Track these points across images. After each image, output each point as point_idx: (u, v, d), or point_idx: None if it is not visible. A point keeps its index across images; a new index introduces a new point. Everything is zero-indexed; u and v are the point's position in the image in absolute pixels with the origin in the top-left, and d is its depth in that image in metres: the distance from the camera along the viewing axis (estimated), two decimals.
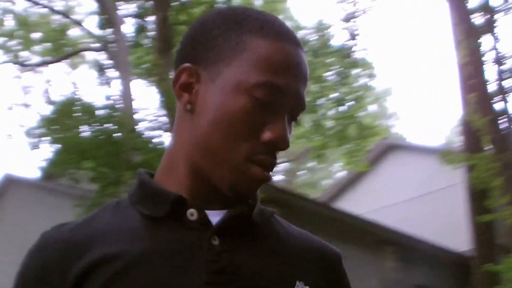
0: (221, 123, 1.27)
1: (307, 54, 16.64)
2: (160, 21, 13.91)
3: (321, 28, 19.67)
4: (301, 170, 38.11)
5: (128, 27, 21.26)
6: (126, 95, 15.72)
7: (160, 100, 13.56)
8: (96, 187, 12.20)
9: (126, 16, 18.77)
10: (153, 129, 13.18)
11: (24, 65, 23.78)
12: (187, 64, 1.34)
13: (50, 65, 23.63)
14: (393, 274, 20.22)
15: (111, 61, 17.36)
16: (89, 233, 1.32)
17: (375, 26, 50.65)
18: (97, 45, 19.86)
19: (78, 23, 21.80)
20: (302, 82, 1.32)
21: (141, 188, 1.39)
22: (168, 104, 13.05)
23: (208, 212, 1.32)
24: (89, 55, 22.46)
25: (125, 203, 1.39)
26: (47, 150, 15.35)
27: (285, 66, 1.29)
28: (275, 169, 1.35)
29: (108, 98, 15.92)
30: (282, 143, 1.28)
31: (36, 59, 24.12)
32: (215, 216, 1.32)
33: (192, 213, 1.30)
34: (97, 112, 13.12)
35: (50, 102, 18.96)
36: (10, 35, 23.06)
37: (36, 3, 21.79)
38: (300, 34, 20.45)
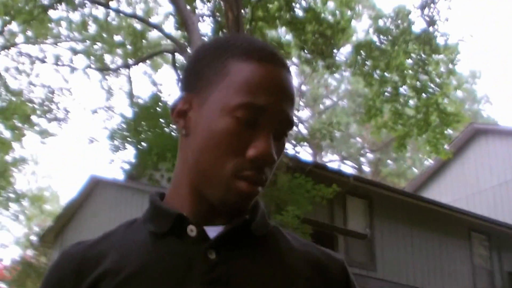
0: (208, 144, 1.37)
1: (388, 42, 16.42)
2: (232, 21, 13.92)
3: (401, 14, 19.38)
4: (388, 159, 37.75)
5: (206, 27, 21.41)
6: None
7: None
8: None
9: (202, 16, 18.93)
10: None
11: (106, 69, 24.26)
12: (181, 93, 1.46)
13: (131, 68, 24.06)
14: (484, 261, 19.87)
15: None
16: (102, 249, 1.45)
17: (460, 9, 49.38)
18: (175, 46, 20.08)
19: (155, 26, 22.12)
20: (284, 100, 1.39)
21: (151, 208, 1.50)
22: None
23: (208, 228, 1.40)
24: (169, 56, 22.67)
25: (139, 221, 1.51)
26: (130, 151, 15.60)
27: (265, 86, 1.37)
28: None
29: None
30: (266, 158, 1.35)
31: (117, 62, 24.66)
32: (214, 232, 1.40)
33: (191, 229, 1.39)
34: None
35: (132, 104, 19.28)
36: (92, 39, 23.60)
37: (116, 10, 22.23)
38: (380, 21, 20.22)
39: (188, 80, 1.48)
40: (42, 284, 1.49)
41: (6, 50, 24.66)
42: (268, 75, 1.38)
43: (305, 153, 35.55)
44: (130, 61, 23.37)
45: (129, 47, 22.99)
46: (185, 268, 1.37)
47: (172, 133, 13.25)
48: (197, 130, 1.41)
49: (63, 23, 23.61)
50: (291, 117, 1.41)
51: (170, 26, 23.97)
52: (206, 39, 18.14)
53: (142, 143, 14.47)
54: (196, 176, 1.42)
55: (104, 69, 24.23)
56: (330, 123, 16.13)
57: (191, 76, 1.47)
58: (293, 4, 18.56)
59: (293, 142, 15.81)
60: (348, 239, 16.99)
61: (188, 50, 17.76)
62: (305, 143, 26.80)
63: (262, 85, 1.37)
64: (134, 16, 22.35)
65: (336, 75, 31.35)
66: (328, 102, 38.75)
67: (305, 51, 19.47)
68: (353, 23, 21.84)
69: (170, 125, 13.59)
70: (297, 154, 14.89)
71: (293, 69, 36.05)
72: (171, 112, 1.47)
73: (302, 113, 38.25)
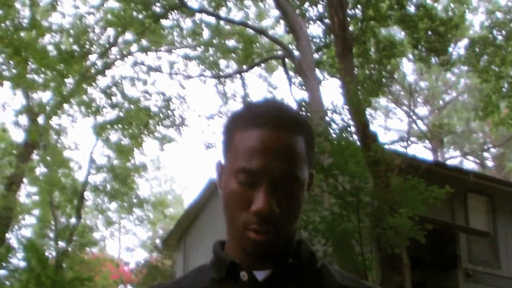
0: (225, 202, 1.65)
1: (503, 37, 16.01)
2: (337, 25, 13.96)
3: None
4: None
5: (316, 29, 21.55)
6: (314, 98, 15.92)
7: (344, 102, 13.64)
8: None
9: (310, 20, 19.03)
10: (341, 131, 13.25)
11: (220, 76, 24.66)
12: (217, 161, 1.75)
13: (244, 73, 24.41)
14: None
15: (298, 65, 17.57)
16: None
17: None
18: (284, 51, 20.27)
19: (262, 32, 22.34)
20: (278, 160, 1.58)
21: (213, 255, 1.76)
22: (351, 106, 13.12)
23: (258, 272, 1.63)
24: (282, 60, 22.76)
25: (206, 267, 1.77)
26: None
27: (257, 150, 1.58)
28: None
29: (298, 101, 16.19)
30: (263, 212, 1.55)
31: (232, 67, 25.05)
32: (263, 275, 1.63)
33: (243, 275, 1.63)
34: None
35: None
36: (205, 45, 24.08)
37: (224, 19, 22.63)
38: (496, 15, 19.78)
39: (221, 150, 1.73)
40: None
41: (122, 59, 25.46)
42: (261, 139, 1.58)
43: (425, 150, 35.15)
44: (243, 67, 23.71)
45: (241, 52, 23.33)
46: None
47: None
48: (221, 191, 1.68)
49: (176, 31, 24.21)
50: (289, 172, 1.59)
51: (281, 30, 24.10)
52: (316, 41, 18.27)
53: None
54: (227, 228, 1.69)
55: (217, 76, 24.66)
56: (441, 124, 15.89)
57: (221, 147, 1.73)
58: (405, 1, 18.42)
59: (407, 142, 15.68)
60: (471, 237, 16.73)
61: (296, 54, 17.88)
62: (424, 140, 26.46)
63: (254, 150, 1.58)
64: (242, 23, 22.70)
65: (455, 70, 30.91)
66: (447, 97, 38.12)
67: (419, 48, 19.29)
68: (470, 16, 21.49)
69: None
70: (408, 153, 14.72)
71: (409, 66, 35.57)
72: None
73: (420, 110, 37.93)
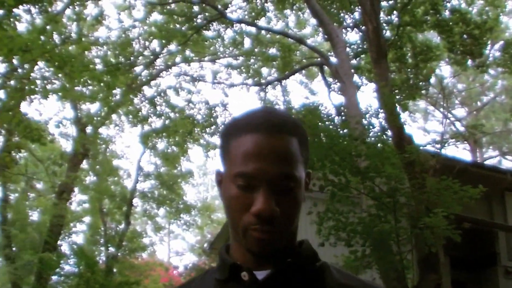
0: (226, 206, 1.73)
1: None
2: (371, 32, 14.14)
3: None
4: None
5: (354, 36, 21.84)
6: (351, 103, 16.20)
7: (379, 107, 13.79)
8: (327, 194, 12.70)
9: (346, 27, 19.33)
10: (379, 134, 13.41)
11: (262, 83, 25.02)
12: (216, 169, 1.85)
13: (283, 81, 24.76)
14: None
15: (335, 72, 17.79)
16: None
17: None
18: (322, 58, 20.54)
19: (300, 40, 22.66)
20: (273, 162, 1.65)
21: (218, 258, 1.85)
22: (386, 110, 13.35)
23: (258, 272, 1.69)
24: (320, 67, 23.08)
25: (213, 269, 1.86)
26: None
27: (252, 155, 1.65)
28: None
29: (335, 106, 16.47)
30: (263, 213, 1.62)
31: (273, 74, 25.42)
32: (263, 275, 1.69)
33: (244, 275, 1.69)
34: (326, 121, 13.52)
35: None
36: (247, 54, 24.52)
37: (263, 28, 23.08)
38: None
39: (219, 158, 1.83)
40: None
41: (166, 70, 26.04)
42: (254, 144, 1.66)
43: (464, 151, 35.11)
44: (284, 74, 24.04)
45: (281, 60, 23.64)
46: None
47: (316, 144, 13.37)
48: (222, 197, 1.77)
49: (218, 41, 24.70)
50: (285, 172, 1.66)
51: (320, 38, 24.36)
52: (354, 48, 18.57)
53: None
54: (230, 232, 1.80)
55: (259, 83, 25.01)
56: (475, 125, 15.97)
57: (219, 156, 1.83)
58: (440, 7, 18.60)
59: (442, 143, 15.78)
60: (510, 235, 16.77)
61: (333, 60, 18.12)
62: (461, 141, 26.40)
63: (249, 155, 1.65)
64: (280, 32, 23.24)
65: (492, 71, 30.93)
66: (485, 98, 37.97)
67: (455, 52, 19.44)
68: (505, 19, 21.53)
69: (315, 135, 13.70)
70: (443, 154, 14.75)
71: (447, 68, 35.45)
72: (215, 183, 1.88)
73: (458, 111, 37.90)
